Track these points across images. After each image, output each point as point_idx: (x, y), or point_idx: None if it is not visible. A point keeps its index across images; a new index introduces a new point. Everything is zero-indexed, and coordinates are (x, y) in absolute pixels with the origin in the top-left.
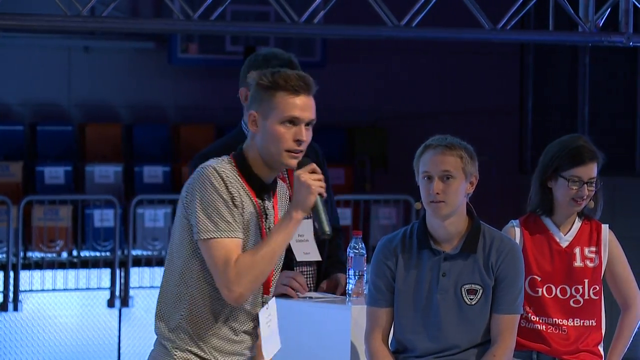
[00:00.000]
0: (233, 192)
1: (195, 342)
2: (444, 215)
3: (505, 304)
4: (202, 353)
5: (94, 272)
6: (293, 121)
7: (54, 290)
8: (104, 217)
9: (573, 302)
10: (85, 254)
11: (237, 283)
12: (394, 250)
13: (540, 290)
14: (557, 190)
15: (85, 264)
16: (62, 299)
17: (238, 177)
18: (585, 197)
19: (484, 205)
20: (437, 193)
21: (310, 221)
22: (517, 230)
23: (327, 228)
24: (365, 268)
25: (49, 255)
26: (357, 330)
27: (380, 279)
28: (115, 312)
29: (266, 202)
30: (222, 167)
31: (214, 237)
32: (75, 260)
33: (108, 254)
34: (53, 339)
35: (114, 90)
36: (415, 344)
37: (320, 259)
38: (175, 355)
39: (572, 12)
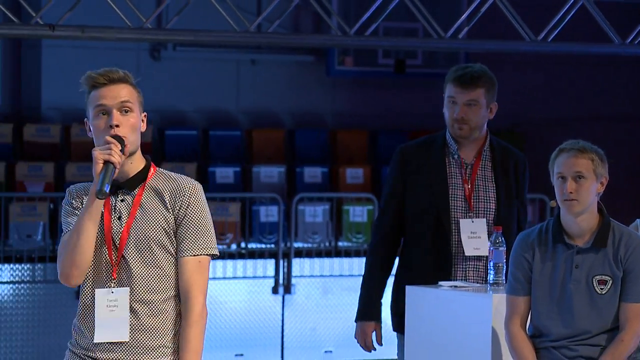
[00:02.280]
0: (73, 203)
1: (74, 339)
2: (576, 212)
3: (632, 293)
4: (76, 349)
5: (259, 262)
6: (103, 109)
7: (224, 278)
8: (268, 213)
9: None
10: (252, 246)
11: (58, 263)
12: (532, 244)
13: None
14: None
15: (252, 254)
16: (231, 286)
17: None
18: None
19: (613, 203)
20: (571, 192)
21: (483, 220)
22: None
23: (100, 187)
24: (504, 260)
25: (220, 247)
26: (497, 316)
27: (519, 270)
28: (279, 298)
29: (119, 199)
30: (75, 185)
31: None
32: (243, 251)
33: (272, 246)
34: (223, 321)
35: (277, 99)
36: (550, 329)
37: (487, 254)
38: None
39: None
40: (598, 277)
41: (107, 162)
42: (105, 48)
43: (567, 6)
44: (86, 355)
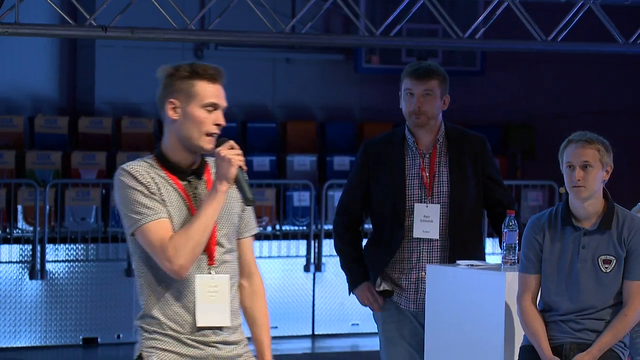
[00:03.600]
0: (144, 182)
1: (158, 323)
2: (583, 198)
3: (634, 272)
4: (166, 330)
5: (293, 243)
6: (213, 106)
7: (260, 257)
8: (301, 198)
9: None
10: (286, 228)
11: (177, 256)
12: (542, 226)
13: None
14: None
15: (286, 236)
16: (266, 265)
17: (154, 169)
18: None
19: (617, 189)
20: (578, 180)
21: (438, 206)
22: None
23: (249, 195)
24: (517, 241)
25: (257, 228)
26: (510, 293)
27: (530, 250)
28: (310, 276)
29: (193, 183)
30: (130, 165)
31: (142, 224)
32: (277, 233)
33: (304, 228)
34: None
35: (310, 94)
36: (559, 304)
37: (438, 237)
38: (144, 336)
39: None
40: (603, 257)
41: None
42: (152, 48)
43: (575, 9)
44: (193, 340)
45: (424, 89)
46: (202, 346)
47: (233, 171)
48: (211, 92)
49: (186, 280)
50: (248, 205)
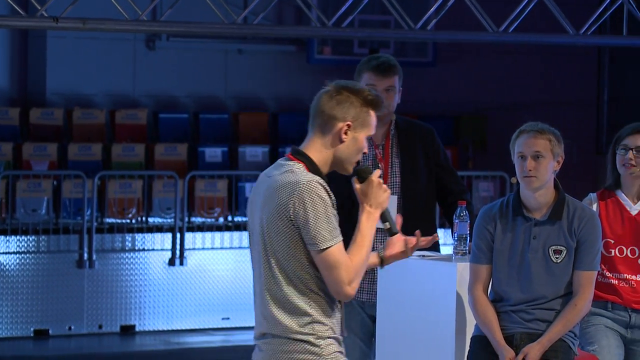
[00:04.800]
0: (333, 202)
1: (331, 328)
2: (534, 188)
3: (585, 262)
4: (335, 334)
5: (245, 234)
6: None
7: (212, 248)
8: None
9: None
10: (238, 219)
11: (355, 281)
12: (493, 217)
13: (613, 251)
14: (617, 162)
15: (238, 227)
16: (218, 256)
17: None
18: (630, 161)
19: (568, 180)
20: (530, 170)
21: (395, 197)
22: (595, 201)
23: (396, 228)
24: (468, 231)
25: (209, 220)
26: (461, 283)
27: (482, 241)
28: None
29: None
30: (319, 180)
31: (334, 244)
32: (229, 224)
33: None
34: (211, 288)
35: (262, 85)
36: (510, 294)
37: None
38: (321, 343)
39: None
40: (554, 247)
41: None
42: (104, 39)
43: (527, 0)
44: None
45: (387, 85)
46: None
47: (387, 200)
48: (374, 126)
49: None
50: (392, 236)
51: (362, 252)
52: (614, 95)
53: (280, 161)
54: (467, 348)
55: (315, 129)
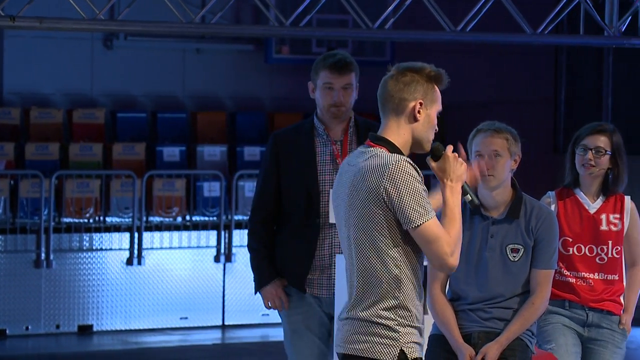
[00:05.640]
0: (421, 176)
1: (415, 316)
2: (492, 187)
3: (542, 260)
4: (417, 324)
5: (203, 234)
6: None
7: (170, 248)
8: (211, 189)
9: (598, 259)
10: (196, 218)
11: (456, 251)
12: None
13: (571, 249)
14: (576, 162)
15: (196, 226)
16: (176, 255)
17: None
18: (590, 162)
19: (525, 178)
20: (487, 169)
21: None
22: (553, 200)
23: (477, 199)
24: None
25: (167, 219)
26: None
27: None
28: (220, 266)
29: None
30: (406, 159)
31: (429, 218)
32: (188, 223)
33: (215, 218)
34: (169, 287)
35: (220, 84)
36: (468, 293)
37: None
38: (400, 330)
39: (599, 19)
40: (511, 246)
41: None
42: (62, 38)
43: None
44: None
45: (344, 83)
46: None
47: (465, 172)
48: (440, 100)
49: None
50: (474, 207)
51: (456, 225)
52: (571, 95)
53: (360, 149)
54: (425, 347)
55: (389, 114)
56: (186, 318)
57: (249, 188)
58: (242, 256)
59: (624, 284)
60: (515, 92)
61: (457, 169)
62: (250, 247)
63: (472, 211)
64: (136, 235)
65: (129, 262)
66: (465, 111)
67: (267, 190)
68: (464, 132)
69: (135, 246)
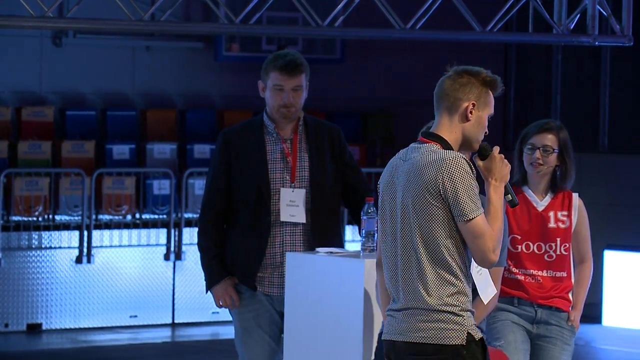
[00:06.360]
0: (474, 173)
1: (470, 301)
2: None
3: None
4: (472, 308)
5: (153, 232)
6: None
7: (120, 246)
8: (161, 187)
9: (547, 257)
10: (145, 216)
11: (498, 247)
12: None
13: (519, 247)
14: (524, 160)
15: (146, 224)
16: (126, 254)
17: None
18: (538, 160)
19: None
20: None
21: (303, 191)
22: None
23: (516, 199)
24: (375, 228)
25: (116, 217)
26: (369, 280)
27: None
28: (170, 264)
29: None
30: (462, 155)
31: (480, 214)
32: (137, 221)
33: (165, 216)
34: (119, 286)
35: (169, 82)
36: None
37: (304, 221)
38: (463, 314)
39: (548, 17)
40: None
41: None
42: (10, 35)
43: None
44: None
45: (294, 85)
46: None
47: (508, 173)
48: (492, 105)
49: None
50: (512, 207)
51: (499, 222)
52: (520, 92)
53: (413, 145)
54: (375, 344)
55: (443, 112)
56: (136, 316)
57: (199, 186)
58: (192, 254)
59: (573, 280)
60: None
61: (502, 169)
62: (200, 245)
63: None
64: (85, 233)
65: (79, 260)
66: (415, 109)
67: (216, 188)
68: (413, 130)
69: (85, 244)
